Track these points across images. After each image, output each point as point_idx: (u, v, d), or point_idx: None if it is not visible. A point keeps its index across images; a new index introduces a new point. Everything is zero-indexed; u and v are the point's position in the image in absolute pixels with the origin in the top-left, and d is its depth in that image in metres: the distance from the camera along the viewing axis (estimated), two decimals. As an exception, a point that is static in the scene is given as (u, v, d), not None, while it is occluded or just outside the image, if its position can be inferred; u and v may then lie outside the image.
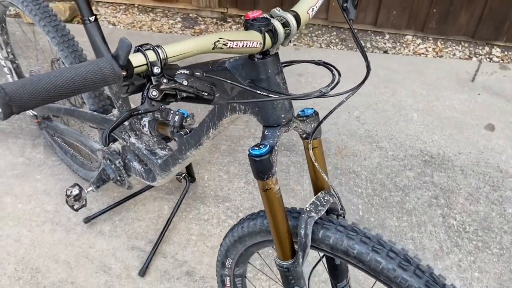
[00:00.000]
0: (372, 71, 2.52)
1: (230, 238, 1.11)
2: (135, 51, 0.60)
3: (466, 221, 1.82)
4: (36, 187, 1.95)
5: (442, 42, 2.90)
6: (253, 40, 0.68)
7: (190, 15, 3.16)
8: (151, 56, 0.60)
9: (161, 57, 0.60)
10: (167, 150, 1.32)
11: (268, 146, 0.81)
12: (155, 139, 1.33)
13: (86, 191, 1.59)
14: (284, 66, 0.84)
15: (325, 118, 0.83)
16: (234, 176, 2.01)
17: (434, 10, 2.79)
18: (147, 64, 0.60)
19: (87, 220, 1.80)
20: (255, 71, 0.79)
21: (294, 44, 2.91)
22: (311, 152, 0.88)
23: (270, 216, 0.88)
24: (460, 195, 1.93)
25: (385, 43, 2.90)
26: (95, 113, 1.42)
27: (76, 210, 1.61)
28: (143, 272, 1.64)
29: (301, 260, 0.90)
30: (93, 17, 1.21)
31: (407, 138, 2.19)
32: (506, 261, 1.68)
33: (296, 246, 0.94)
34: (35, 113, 1.88)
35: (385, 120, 2.29)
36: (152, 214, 1.85)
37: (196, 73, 0.65)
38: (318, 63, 0.82)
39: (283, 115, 0.83)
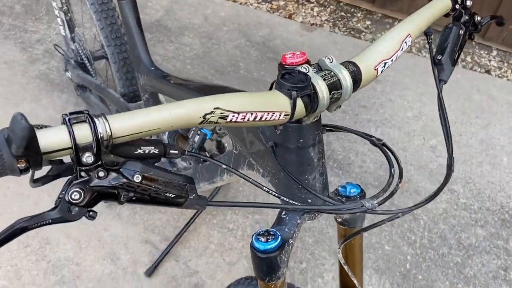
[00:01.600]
0: (465, 93, 2.12)
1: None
2: (62, 123, 0.38)
3: (537, 309, 1.47)
4: (69, 149, 1.86)
5: (562, 72, 2.38)
6: (274, 110, 0.43)
7: (272, -14, 2.87)
8: (83, 134, 0.37)
9: (100, 137, 0.37)
10: (188, 162, 1.12)
11: (279, 239, 0.58)
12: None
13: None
14: (328, 131, 0.58)
15: (368, 228, 0.56)
16: (273, 186, 1.78)
17: None
18: (72, 147, 0.37)
19: (108, 199, 1.68)
20: (281, 135, 0.54)
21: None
22: (341, 252, 0.63)
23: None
24: (538, 274, 1.56)
25: (489, 61, 2.44)
26: (121, 98, 1.24)
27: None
28: (150, 272, 1.51)
29: None
30: (130, -7, 1.00)
31: (488, 186, 1.82)
32: None
33: None
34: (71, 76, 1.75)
35: (466, 158, 1.92)
36: (176, 208, 1.69)
37: (171, 151, 0.42)
38: (375, 142, 0.55)
39: (310, 199, 0.59)
